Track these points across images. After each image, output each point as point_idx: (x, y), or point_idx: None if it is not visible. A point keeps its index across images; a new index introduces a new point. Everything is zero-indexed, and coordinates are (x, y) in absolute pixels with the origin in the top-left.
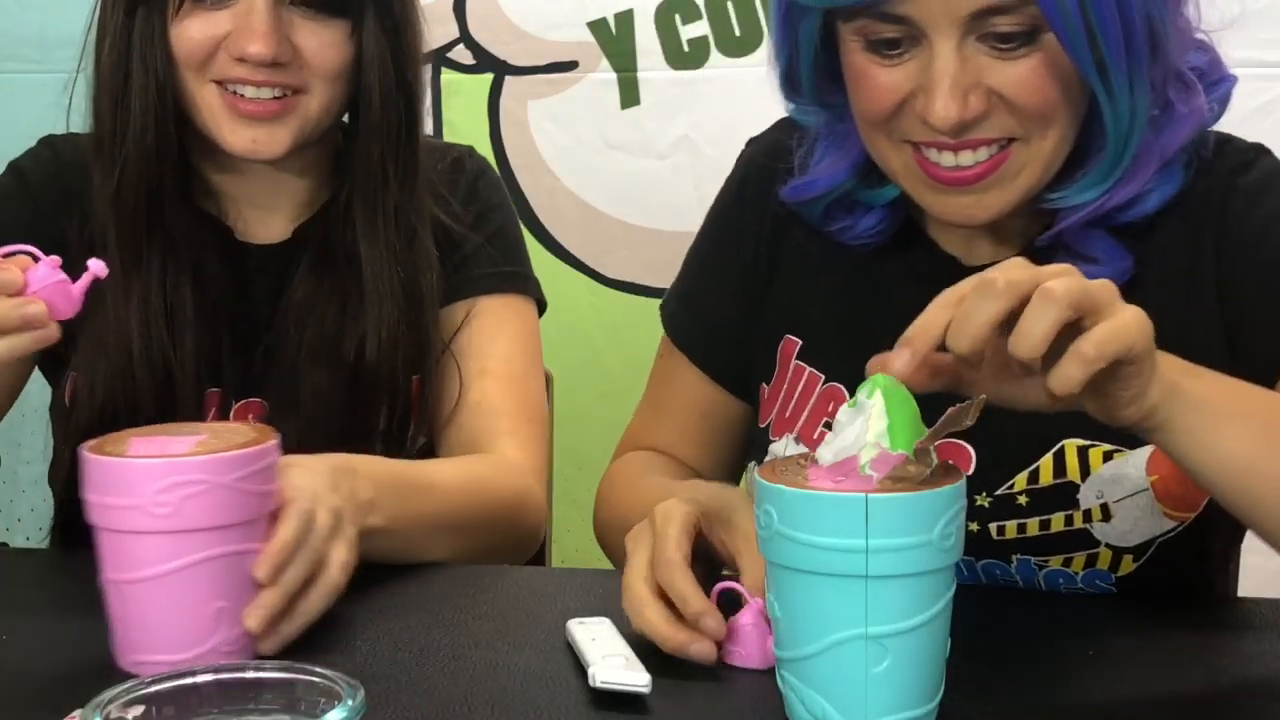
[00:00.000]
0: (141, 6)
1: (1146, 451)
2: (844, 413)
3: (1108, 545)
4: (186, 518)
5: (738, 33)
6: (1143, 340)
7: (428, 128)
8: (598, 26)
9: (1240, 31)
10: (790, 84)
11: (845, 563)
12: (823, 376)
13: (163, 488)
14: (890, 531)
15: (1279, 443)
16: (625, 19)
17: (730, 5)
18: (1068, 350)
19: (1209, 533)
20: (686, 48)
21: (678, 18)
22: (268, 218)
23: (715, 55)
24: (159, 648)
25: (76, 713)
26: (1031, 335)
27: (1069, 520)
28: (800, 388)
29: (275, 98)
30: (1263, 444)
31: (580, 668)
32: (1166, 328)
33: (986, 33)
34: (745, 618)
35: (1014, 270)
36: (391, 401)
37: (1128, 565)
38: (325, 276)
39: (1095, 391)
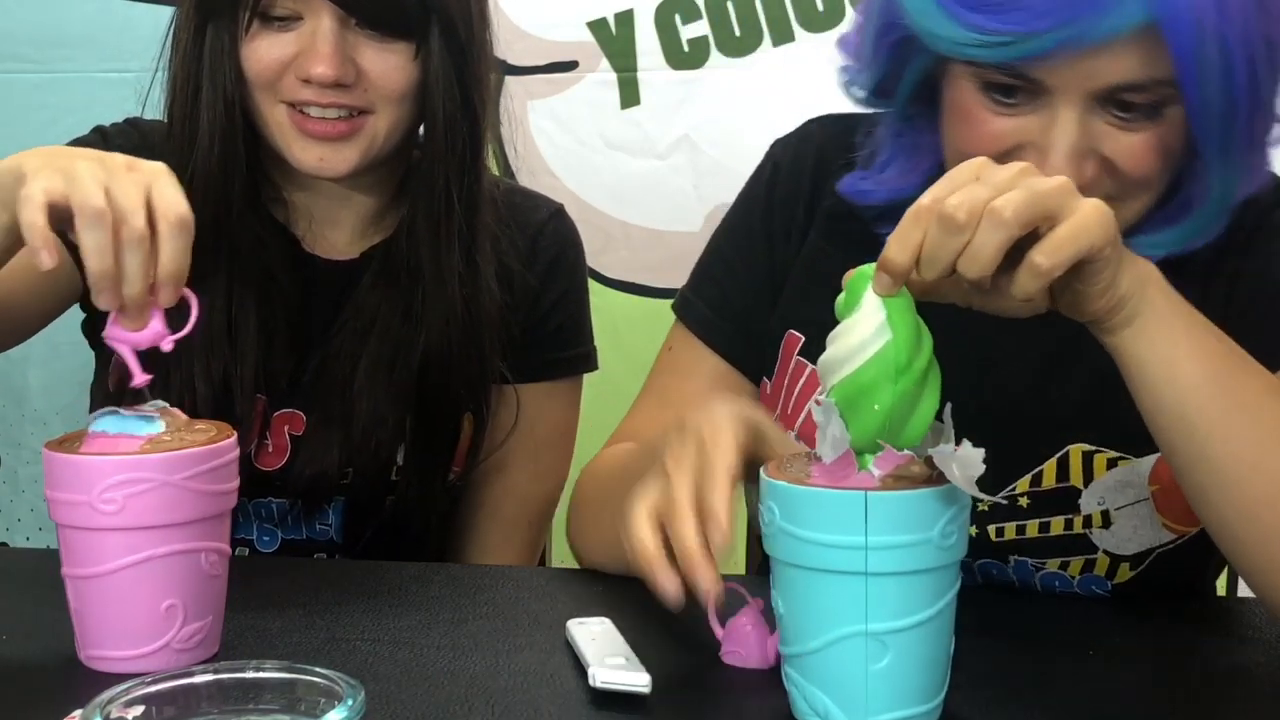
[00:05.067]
0: (211, 25)
1: (1151, 460)
2: (818, 412)
3: (1106, 552)
4: (134, 515)
5: (738, 33)
6: (1102, 235)
7: None
8: (598, 26)
9: None
10: (880, 96)
11: (845, 559)
12: None
13: (110, 485)
14: (890, 529)
15: (1226, 380)
16: (625, 19)
17: (730, 5)
18: (1022, 261)
19: (1207, 549)
20: (686, 48)
21: (678, 18)
22: (334, 233)
23: (715, 55)
24: (112, 643)
25: (76, 713)
26: (979, 259)
27: (1069, 524)
28: (801, 384)
29: (341, 118)
30: (1211, 376)
31: (580, 668)
32: None
33: (1110, 102)
34: (744, 618)
35: (972, 191)
36: (449, 420)
37: (1124, 573)
38: (388, 292)
39: (1064, 289)
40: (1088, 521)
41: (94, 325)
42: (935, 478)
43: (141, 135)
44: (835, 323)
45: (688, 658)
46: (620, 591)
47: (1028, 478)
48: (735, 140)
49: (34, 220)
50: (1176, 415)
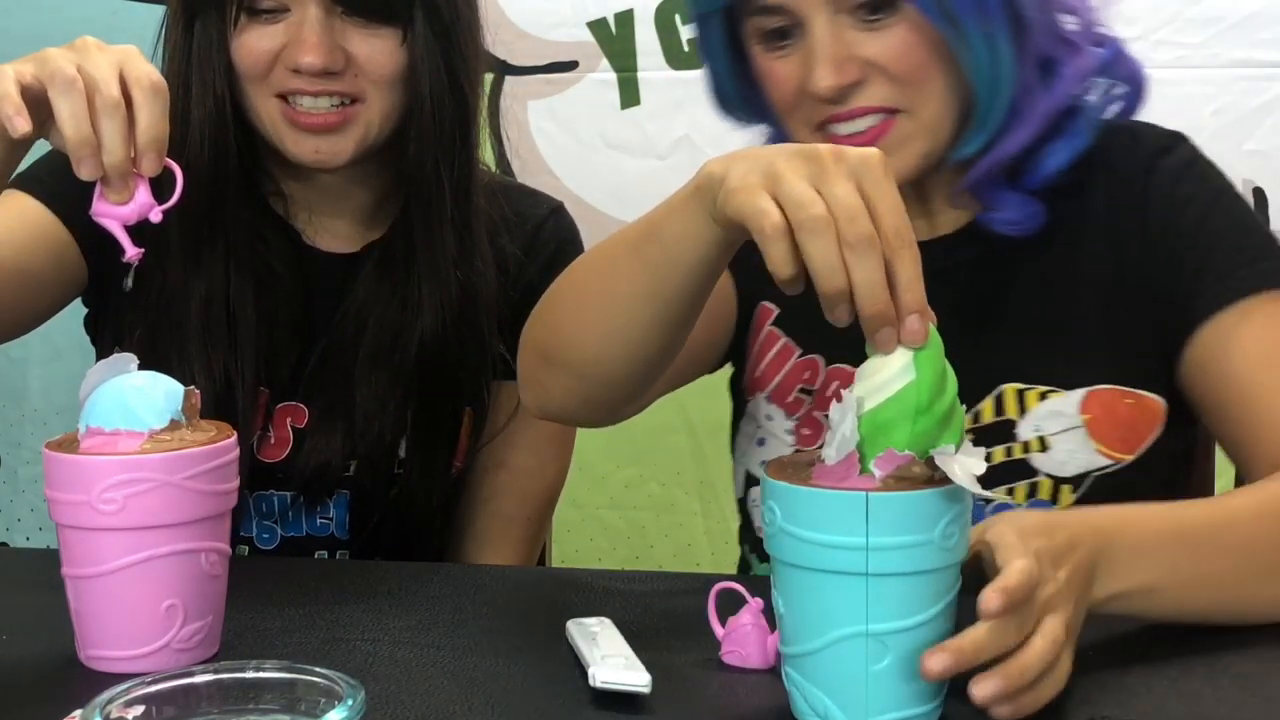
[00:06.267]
0: (199, 21)
1: (1080, 393)
2: (835, 410)
3: (1047, 474)
4: (134, 515)
5: None
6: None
7: None
8: (598, 26)
9: (1239, 32)
10: (723, 101)
11: (846, 560)
12: (799, 350)
13: (110, 485)
14: (891, 530)
15: (1217, 576)
16: (625, 19)
17: None
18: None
19: (1146, 480)
20: (686, 48)
21: (678, 18)
22: (334, 225)
23: None
24: (112, 643)
25: (77, 713)
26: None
27: (1009, 452)
28: (773, 354)
29: (333, 107)
30: (1212, 586)
31: (580, 668)
32: (1084, 282)
33: (854, 7)
34: (745, 618)
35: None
36: (450, 408)
37: (1067, 497)
38: (385, 279)
39: None
40: (1026, 447)
41: (95, 321)
42: (937, 478)
43: None
44: (802, 299)
45: (688, 658)
46: (620, 591)
47: (968, 417)
48: (735, 140)
49: (7, 90)
50: (1213, 620)
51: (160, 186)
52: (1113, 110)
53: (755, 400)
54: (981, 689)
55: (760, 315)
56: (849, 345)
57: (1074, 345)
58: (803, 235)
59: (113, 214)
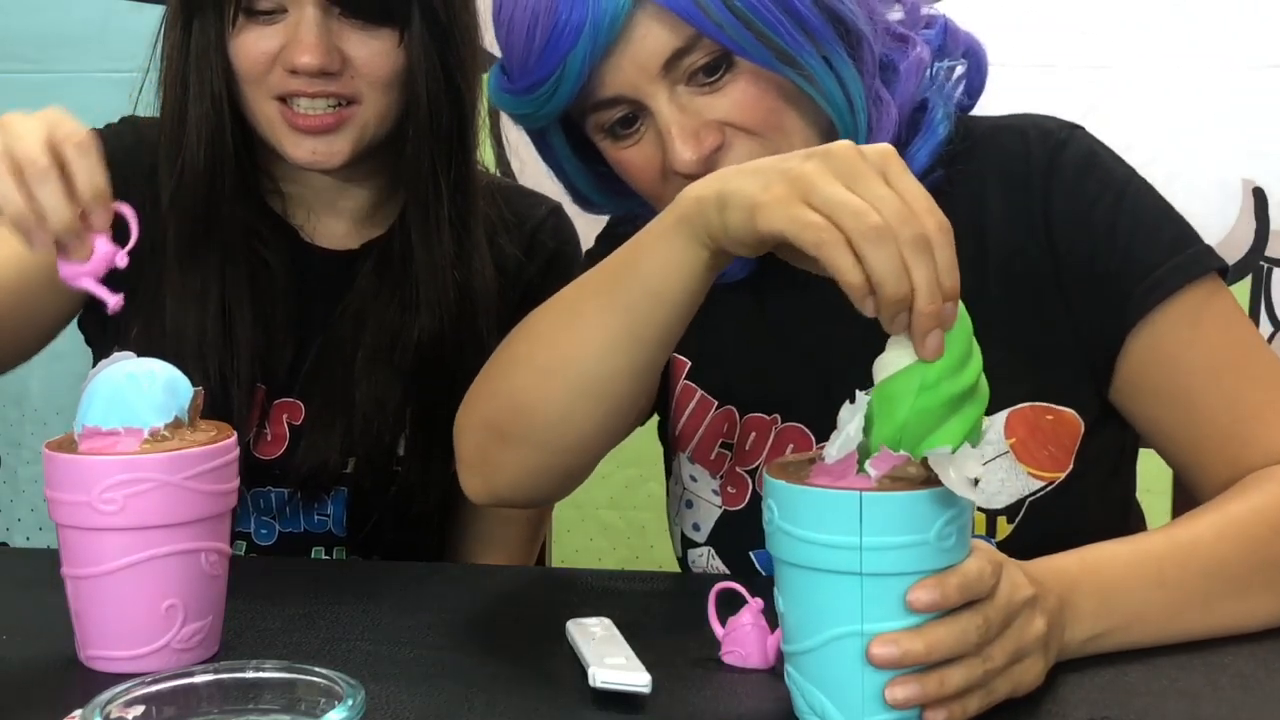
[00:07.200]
0: (197, 20)
1: (1003, 416)
2: (845, 409)
3: (980, 509)
4: (134, 515)
5: None
6: (1033, 682)
7: None
8: None
9: (1239, 32)
10: (582, 201)
11: (840, 559)
12: (715, 402)
13: (110, 485)
14: (885, 530)
15: (1190, 600)
16: None
17: None
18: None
19: (1081, 494)
20: None
21: None
22: (333, 223)
23: None
24: (112, 643)
25: (77, 713)
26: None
27: None
28: (691, 408)
29: (330, 109)
30: (1187, 610)
31: (580, 668)
32: (989, 299)
33: (689, 76)
34: (745, 618)
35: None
36: (448, 408)
37: (1004, 528)
38: (385, 279)
39: None
40: None
41: (90, 319)
42: (934, 479)
43: (138, 133)
44: (716, 344)
45: (688, 658)
46: (620, 591)
47: None
48: None
49: None
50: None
51: (118, 229)
52: (958, 91)
53: (679, 459)
54: (893, 692)
55: (675, 368)
56: (762, 394)
57: (989, 365)
58: (865, 246)
59: (80, 272)
